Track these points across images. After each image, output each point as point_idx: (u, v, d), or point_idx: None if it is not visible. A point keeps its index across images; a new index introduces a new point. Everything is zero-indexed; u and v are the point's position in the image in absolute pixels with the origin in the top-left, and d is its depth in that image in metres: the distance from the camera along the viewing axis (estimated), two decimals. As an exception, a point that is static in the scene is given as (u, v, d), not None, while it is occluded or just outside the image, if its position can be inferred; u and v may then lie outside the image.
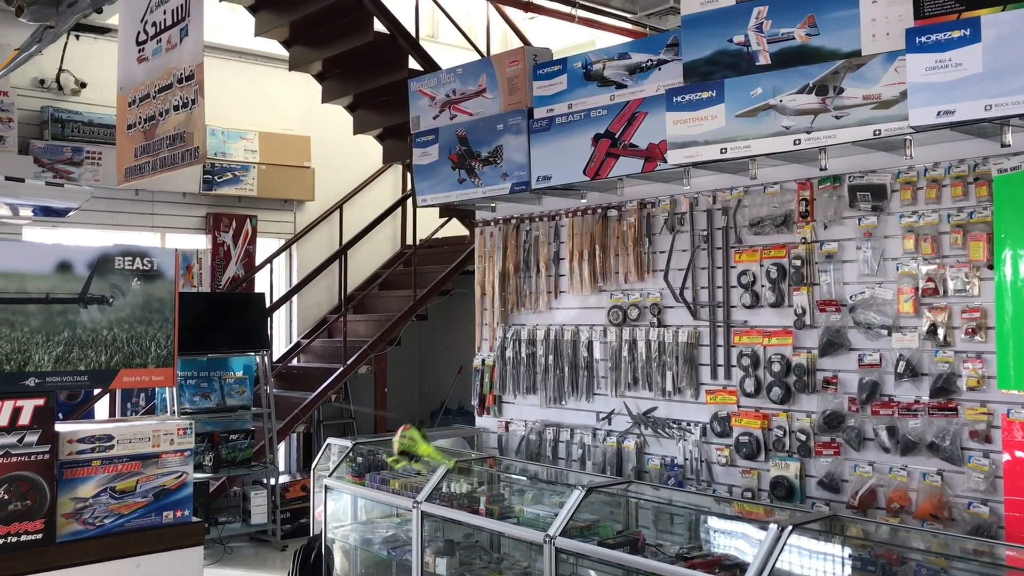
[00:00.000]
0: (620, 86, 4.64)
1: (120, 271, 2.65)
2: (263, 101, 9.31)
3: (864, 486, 3.92)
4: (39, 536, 2.56)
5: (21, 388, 2.54)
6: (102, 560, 2.59)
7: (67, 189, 5.35)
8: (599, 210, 5.18)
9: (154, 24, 5.94)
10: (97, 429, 2.64)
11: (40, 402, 2.54)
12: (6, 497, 2.50)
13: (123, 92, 6.35)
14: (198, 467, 6.85)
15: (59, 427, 2.64)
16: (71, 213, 4.97)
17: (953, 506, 3.67)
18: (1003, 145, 3.42)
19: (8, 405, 2.47)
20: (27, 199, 4.32)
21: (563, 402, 5.37)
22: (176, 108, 5.68)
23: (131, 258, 2.65)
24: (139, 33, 6.11)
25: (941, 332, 3.72)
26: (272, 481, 7.24)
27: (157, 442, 2.64)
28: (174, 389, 6.80)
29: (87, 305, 2.56)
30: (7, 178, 4.53)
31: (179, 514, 2.68)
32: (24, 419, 2.50)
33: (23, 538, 2.53)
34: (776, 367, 4.30)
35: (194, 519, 2.75)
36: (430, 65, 7.33)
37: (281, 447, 8.96)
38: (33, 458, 2.53)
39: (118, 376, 2.67)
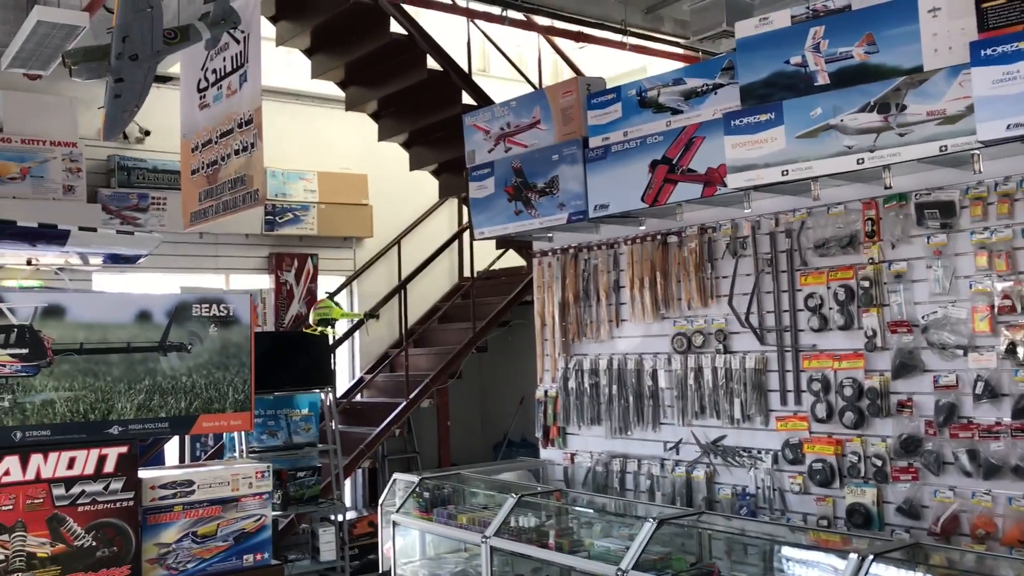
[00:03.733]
0: (676, 112, 4.62)
1: (197, 318, 2.70)
2: (321, 141, 9.48)
3: (946, 512, 3.79)
4: (126, 582, 2.59)
5: (106, 436, 2.59)
6: (186, 604, 2.60)
7: (137, 237, 5.50)
8: (658, 236, 5.14)
9: (214, 71, 6.11)
10: (179, 475, 2.68)
11: (124, 449, 2.59)
12: (94, 544, 2.54)
13: (186, 139, 6.53)
14: (267, 505, 6.91)
15: (142, 474, 2.68)
16: (141, 260, 5.10)
17: (1042, 531, 3.52)
18: (1078, 156, 3.32)
19: (94, 453, 2.52)
20: (99, 247, 4.45)
21: (629, 432, 5.31)
22: (237, 152, 5.82)
23: (208, 305, 2.70)
24: (200, 80, 6.29)
25: (1021, 351, 3.59)
26: (340, 517, 7.26)
27: (236, 486, 2.67)
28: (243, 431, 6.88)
29: (167, 353, 2.62)
30: (80, 228, 4.67)
31: (259, 557, 2.70)
32: (109, 467, 2.55)
33: (111, 584, 2.56)
34: (848, 391, 4.19)
35: (273, 562, 2.77)
36: (483, 99, 7.40)
37: (347, 483, 9.00)
38: (118, 505, 2.57)
39: (197, 422, 2.71)
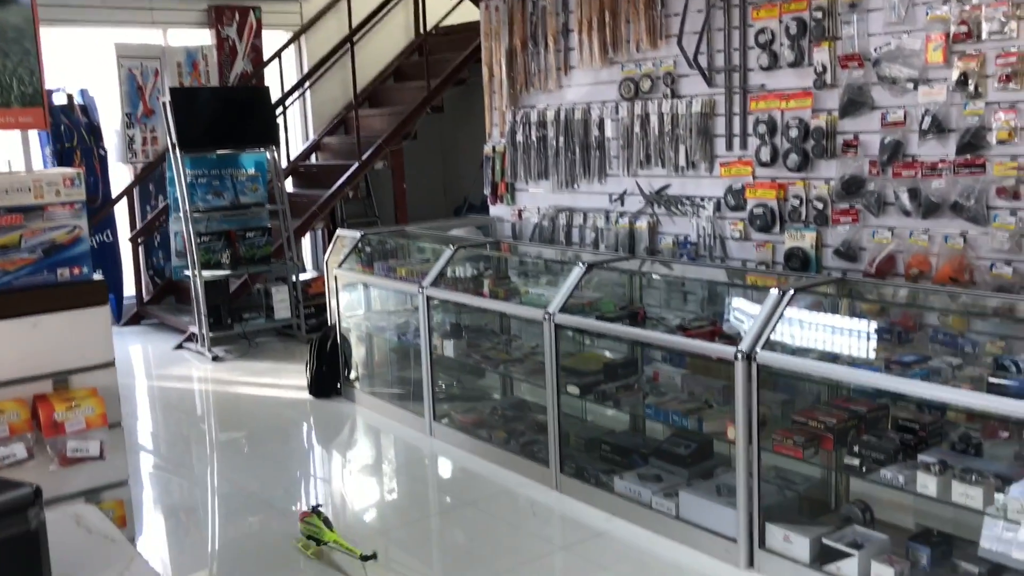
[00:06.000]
0: None
1: (-42, -4, 2.38)
2: None
3: (882, 252, 3.72)
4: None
5: None
6: (-11, 320, 2.42)
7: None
8: (607, -29, 4.75)
9: None
10: (-36, 182, 2.43)
11: None
12: None
13: None
14: (216, 265, 6.85)
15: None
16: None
17: (975, 268, 3.46)
18: None
19: None
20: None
21: (576, 185, 5.16)
22: None
23: (-29, -24, 2.37)
24: None
25: (972, 81, 3.38)
26: (293, 278, 7.24)
27: (40, 193, 2.42)
28: (184, 188, 6.69)
29: (-78, 36, 2.33)
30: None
31: (76, 271, 2.50)
32: None
33: None
34: (793, 132, 4.01)
35: (96, 277, 2.59)
36: None
37: (307, 245, 8.94)
38: None
39: (-23, 117, 2.44)
